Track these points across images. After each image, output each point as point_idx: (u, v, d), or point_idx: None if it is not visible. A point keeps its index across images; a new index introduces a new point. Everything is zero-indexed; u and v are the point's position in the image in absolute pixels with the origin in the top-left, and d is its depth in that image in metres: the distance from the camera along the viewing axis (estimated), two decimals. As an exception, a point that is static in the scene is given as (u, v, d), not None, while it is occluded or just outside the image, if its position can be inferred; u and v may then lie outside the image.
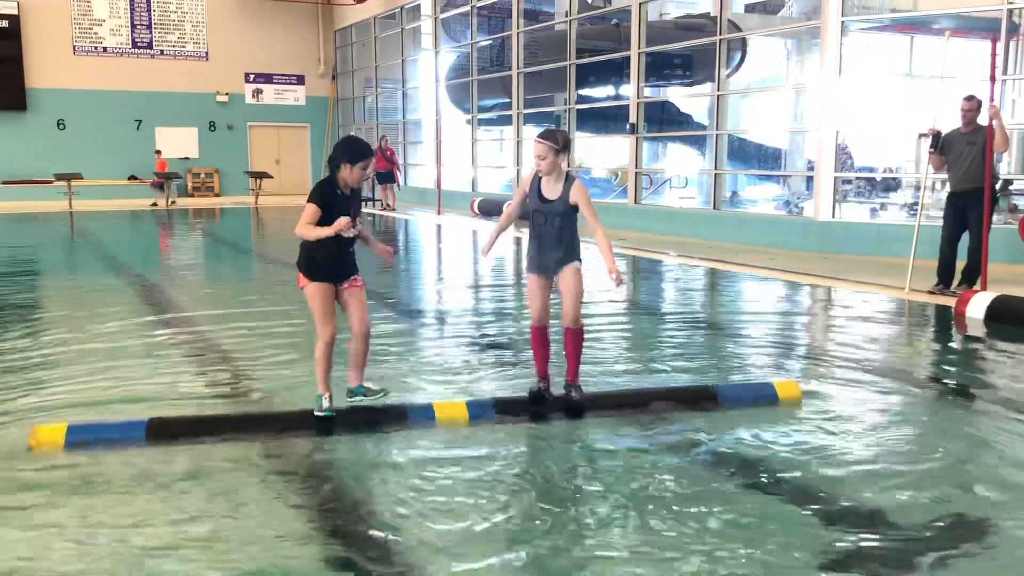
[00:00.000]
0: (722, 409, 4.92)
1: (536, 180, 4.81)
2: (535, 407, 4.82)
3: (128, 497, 3.71)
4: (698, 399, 5.06)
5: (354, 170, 4.47)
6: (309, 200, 4.46)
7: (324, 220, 4.41)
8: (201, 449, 4.25)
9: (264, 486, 3.83)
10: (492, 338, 6.93)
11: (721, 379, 5.65)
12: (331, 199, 4.46)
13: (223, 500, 3.67)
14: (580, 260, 4.82)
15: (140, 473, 3.96)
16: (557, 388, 4.98)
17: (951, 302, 7.94)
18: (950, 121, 8.91)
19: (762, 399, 5.06)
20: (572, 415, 4.78)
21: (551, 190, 4.75)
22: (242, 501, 3.66)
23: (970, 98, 8.57)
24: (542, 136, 4.72)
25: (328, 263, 4.53)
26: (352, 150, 4.51)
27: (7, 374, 5.68)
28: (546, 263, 4.79)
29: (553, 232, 4.73)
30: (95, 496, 3.73)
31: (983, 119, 8.41)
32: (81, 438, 4.29)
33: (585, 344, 5.01)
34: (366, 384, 4.79)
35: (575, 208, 4.73)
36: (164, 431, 4.41)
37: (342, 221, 4.34)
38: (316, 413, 4.57)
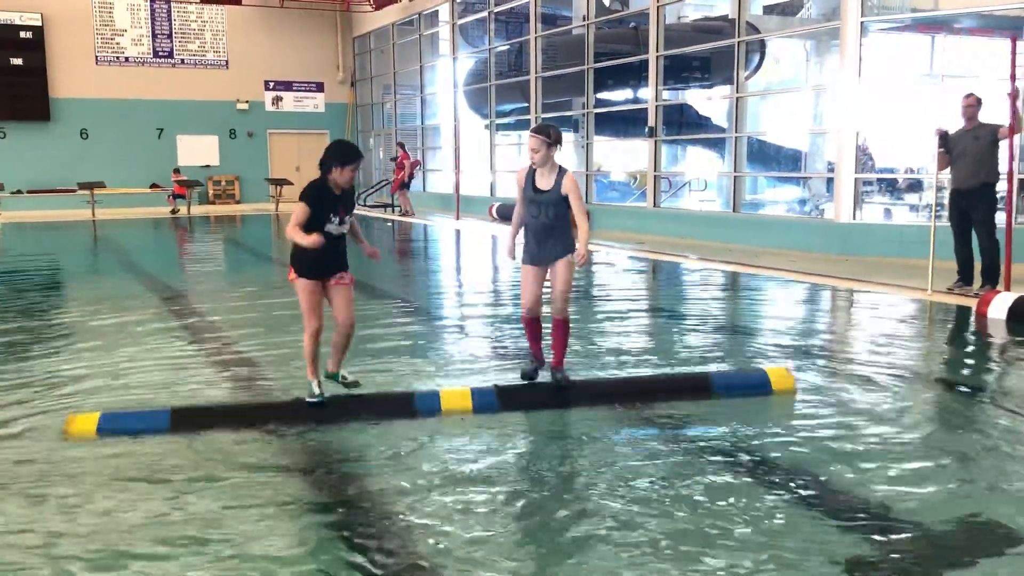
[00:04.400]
0: (717, 397, 5.08)
1: (530, 173, 5.05)
2: (529, 382, 5.21)
3: (149, 483, 3.90)
4: (692, 387, 5.22)
5: (344, 171, 4.71)
6: (300, 199, 4.70)
7: (315, 218, 4.66)
8: (219, 437, 4.48)
9: (273, 471, 4.00)
10: (499, 331, 6.97)
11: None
12: (322, 198, 4.69)
13: (236, 487, 3.82)
14: (574, 254, 5.07)
15: (162, 460, 4.17)
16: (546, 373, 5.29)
17: (973, 303, 7.86)
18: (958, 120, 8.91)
19: (755, 388, 5.18)
20: (561, 397, 5.07)
21: (544, 181, 5.01)
22: (254, 486, 3.83)
23: (969, 95, 8.68)
24: (535, 131, 5.02)
25: (316, 261, 4.76)
26: (342, 153, 4.75)
27: (44, 371, 5.92)
28: (541, 254, 5.07)
29: (547, 222, 5.00)
30: (120, 483, 3.90)
31: (983, 116, 8.56)
32: (112, 426, 4.59)
33: (592, 336, 5.14)
34: (342, 372, 5.06)
35: (567, 199, 4.98)
36: (186, 420, 4.69)
37: (315, 239, 4.55)
38: (307, 399, 4.86)
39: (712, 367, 5.95)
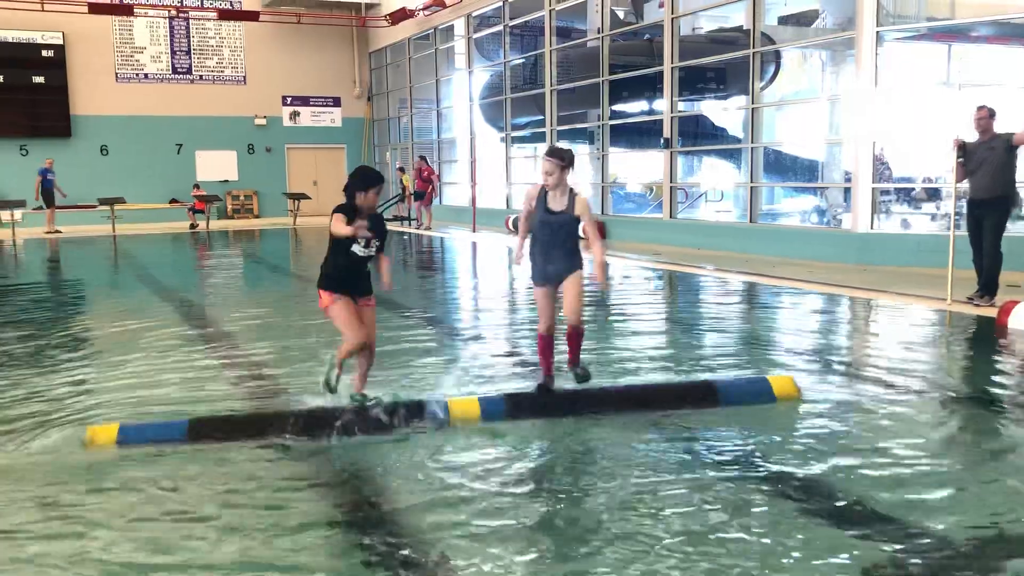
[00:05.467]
0: (722, 405, 5.11)
1: (543, 194, 5.15)
2: (543, 398, 5.21)
3: (166, 491, 3.96)
4: (700, 396, 5.25)
5: (368, 195, 4.91)
6: (335, 211, 4.87)
7: (342, 240, 4.84)
8: (236, 449, 4.55)
9: (290, 480, 4.08)
10: (507, 341, 7.01)
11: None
12: (351, 216, 4.82)
13: (253, 496, 3.89)
14: (582, 268, 5.20)
15: (177, 473, 4.21)
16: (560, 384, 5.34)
17: (994, 312, 7.81)
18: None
19: (761, 396, 5.22)
20: (569, 406, 5.14)
21: (557, 203, 5.12)
22: (270, 493, 3.90)
23: (981, 107, 8.66)
24: (549, 154, 5.12)
25: (345, 279, 4.96)
26: (363, 178, 4.95)
27: (64, 382, 6.03)
28: (552, 272, 5.16)
29: (559, 242, 5.11)
30: (138, 489, 3.97)
31: (998, 126, 8.50)
32: (131, 437, 4.65)
33: (603, 347, 5.16)
34: (364, 392, 5.17)
35: (579, 220, 5.10)
36: (204, 431, 4.76)
37: (360, 223, 4.74)
38: (321, 379, 5.07)
39: (725, 377, 5.93)
